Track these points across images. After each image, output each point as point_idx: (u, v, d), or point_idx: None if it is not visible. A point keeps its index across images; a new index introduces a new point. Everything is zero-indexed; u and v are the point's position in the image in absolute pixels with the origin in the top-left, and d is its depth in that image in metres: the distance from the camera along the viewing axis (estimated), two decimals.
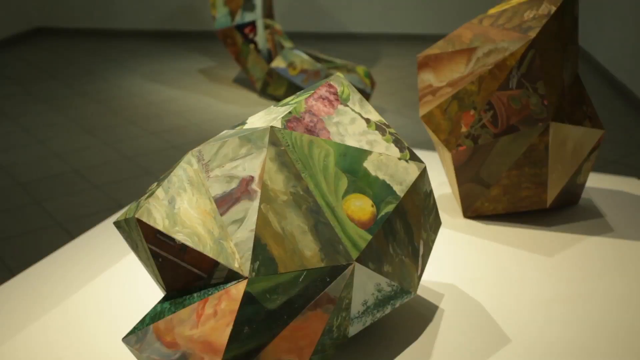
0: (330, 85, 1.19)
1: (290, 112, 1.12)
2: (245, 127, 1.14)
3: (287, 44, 4.47)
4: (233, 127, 1.18)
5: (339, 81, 1.21)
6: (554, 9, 1.43)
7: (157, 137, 3.92)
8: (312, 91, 1.17)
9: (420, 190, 1.16)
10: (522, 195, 1.54)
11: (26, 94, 4.70)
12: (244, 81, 4.92)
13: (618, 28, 4.79)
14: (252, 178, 1.03)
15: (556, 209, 1.63)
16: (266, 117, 1.15)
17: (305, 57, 4.33)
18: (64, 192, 3.22)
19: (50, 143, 3.82)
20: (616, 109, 4.35)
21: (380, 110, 4.36)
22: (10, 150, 3.74)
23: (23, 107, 4.43)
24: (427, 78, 1.58)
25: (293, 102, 1.16)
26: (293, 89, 4.32)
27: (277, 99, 4.51)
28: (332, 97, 1.18)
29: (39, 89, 4.79)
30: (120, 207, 2.99)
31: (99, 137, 3.91)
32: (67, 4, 6.44)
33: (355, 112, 1.18)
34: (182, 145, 3.79)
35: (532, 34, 1.41)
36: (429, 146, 3.22)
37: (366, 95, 4.17)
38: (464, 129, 1.50)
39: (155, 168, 3.48)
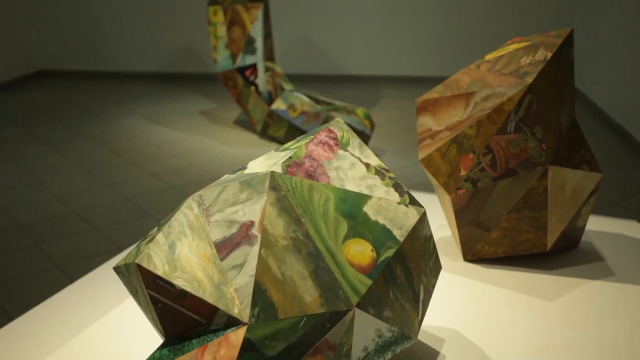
0: (330, 130, 1.20)
1: (290, 157, 1.13)
2: (246, 171, 1.15)
3: (288, 86, 4.52)
4: (234, 172, 1.18)
5: (339, 126, 1.22)
6: (550, 54, 1.45)
7: (157, 179, 3.93)
8: (312, 136, 1.19)
9: (420, 234, 1.16)
10: (522, 239, 1.54)
11: (27, 135, 4.73)
12: (244, 123, 4.96)
13: (614, 69, 4.85)
14: (252, 223, 1.03)
15: (557, 252, 1.63)
16: (267, 161, 1.16)
17: (306, 99, 4.37)
18: (63, 233, 3.21)
19: (50, 184, 3.83)
20: (614, 150, 4.38)
21: (380, 151, 4.39)
22: (10, 191, 3.74)
23: (24, 148, 4.46)
24: (426, 122, 1.59)
25: (293, 147, 1.17)
26: (293, 130, 4.36)
27: (277, 141, 4.54)
28: (332, 142, 1.19)
29: (40, 131, 4.82)
30: (120, 249, 2.98)
31: (99, 179, 3.92)
32: (70, 47, 6.54)
33: (355, 157, 1.19)
34: (182, 187, 3.80)
35: (529, 80, 1.43)
36: (429, 188, 3.23)
37: (366, 137, 4.20)
38: (463, 173, 1.51)
39: (154, 209, 3.48)
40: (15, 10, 6.18)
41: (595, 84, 5.26)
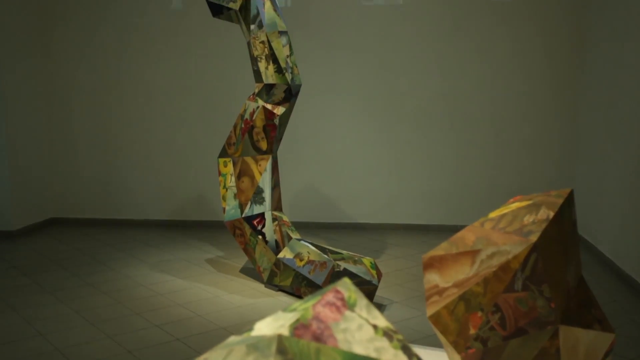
0: (337, 291, 1.21)
1: (297, 319, 1.12)
2: (253, 333, 1.14)
3: (294, 234, 4.56)
4: (240, 334, 1.17)
5: (346, 286, 1.22)
6: (552, 214, 1.48)
7: (161, 330, 3.86)
8: (320, 296, 1.19)
9: None
10: None
11: (33, 284, 4.72)
12: (250, 271, 4.96)
13: (619, 219, 4.90)
14: None
15: None
16: (274, 323, 1.15)
17: (312, 248, 4.40)
18: None
19: (51, 336, 3.76)
20: (627, 301, 4.31)
21: (387, 302, 4.33)
22: (9, 343, 3.66)
23: (28, 298, 4.43)
24: (433, 278, 1.60)
25: (301, 309, 1.16)
26: (300, 280, 4.34)
27: (283, 290, 4.50)
28: (339, 303, 1.18)
29: (47, 280, 4.82)
30: None
31: (102, 330, 3.85)
32: (82, 196, 6.71)
33: (363, 318, 1.18)
34: (186, 339, 3.72)
35: (533, 238, 1.45)
36: (438, 342, 3.15)
37: (373, 287, 4.16)
38: (472, 331, 1.48)
39: None
40: (30, 162, 6.42)
41: (601, 234, 5.29)
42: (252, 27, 4.46)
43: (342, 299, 1.19)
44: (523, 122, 6.18)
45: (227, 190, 4.68)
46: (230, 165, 4.67)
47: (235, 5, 4.50)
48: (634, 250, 4.55)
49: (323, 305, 1.17)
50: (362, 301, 1.21)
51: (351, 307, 1.19)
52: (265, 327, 1.15)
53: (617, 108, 5.00)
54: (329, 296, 1.19)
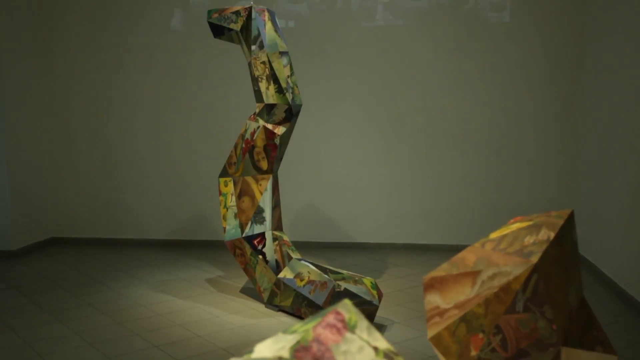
0: (338, 313, 1.20)
1: (298, 341, 1.12)
2: (253, 355, 1.13)
3: (295, 254, 4.55)
4: (240, 356, 1.17)
5: (347, 308, 1.22)
6: (552, 234, 1.48)
7: (161, 350, 3.83)
8: (320, 318, 1.18)
9: None
10: None
11: (32, 304, 4.70)
12: (250, 291, 4.94)
13: (619, 236, 4.89)
14: None
15: None
16: (274, 345, 1.15)
17: (313, 268, 4.38)
18: None
19: (50, 357, 3.74)
20: (628, 322, 4.29)
21: (388, 322, 4.31)
22: None
23: (27, 318, 4.41)
24: (434, 299, 1.59)
25: (301, 330, 1.16)
26: (300, 300, 4.32)
27: (283, 310, 4.48)
28: (339, 325, 1.18)
29: (46, 300, 4.80)
30: None
31: (102, 351, 3.83)
32: (82, 216, 6.70)
33: (363, 340, 1.18)
34: (185, 359, 3.70)
35: (534, 259, 1.45)
36: None
37: (374, 307, 4.14)
38: (473, 353, 1.48)
39: None
40: (31, 182, 6.42)
41: (602, 253, 5.28)
42: (253, 47, 4.49)
43: (343, 321, 1.19)
44: (524, 142, 6.19)
45: (227, 209, 4.68)
46: (231, 185, 4.68)
47: (237, 26, 4.54)
48: (636, 270, 4.54)
49: (324, 327, 1.16)
50: (362, 323, 1.21)
51: (352, 328, 1.19)
52: (265, 349, 1.15)
53: (616, 128, 5.02)
54: (330, 318, 1.19)
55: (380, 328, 4.22)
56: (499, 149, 6.21)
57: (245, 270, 4.66)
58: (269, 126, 4.53)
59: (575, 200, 5.97)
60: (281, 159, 4.70)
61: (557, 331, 1.41)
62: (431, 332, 1.55)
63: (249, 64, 4.56)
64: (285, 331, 1.20)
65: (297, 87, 4.58)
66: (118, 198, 6.68)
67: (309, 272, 4.35)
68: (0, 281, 5.30)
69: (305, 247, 6.02)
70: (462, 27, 6.15)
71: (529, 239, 1.51)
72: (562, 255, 1.48)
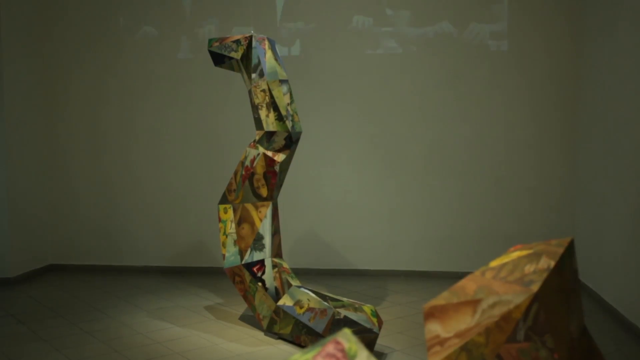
0: (338, 342, 1.19)
1: None
2: None
3: (295, 282, 4.53)
4: None
5: (346, 337, 1.21)
6: (553, 263, 1.48)
7: None
8: (320, 348, 1.17)
9: None
10: None
11: (29, 332, 4.66)
12: (249, 319, 4.90)
13: (620, 264, 4.87)
14: None
15: None
16: None
17: (313, 295, 4.36)
18: None
19: None
20: (630, 351, 4.25)
21: (389, 350, 4.27)
22: None
23: (22, 346, 4.37)
24: (434, 328, 1.58)
25: None
26: (300, 327, 4.29)
27: (283, 338, 4.44)
28: (339, 355, 1.17)
29: (43, 328, 4.76)
30: None
31: None
32: (81, 243, 6.69)
33: None
34: None
35: (535, 288, 1.44)
36: None
37: (374, 335, 4.11)
38: None
39: None
40: (30, 208, 6.42)
41: (603, 281, 5.25)
42: (254, 75, 4.53)
43: (343, 350, 1.18)
44: (523, 169, 6.20)
45: (227, 236, 4.67)
46: (231, 212, 4.67)
47: (237, 55, 4.58)
48: (638, 297, 4.51)
49: (323, 357, 1.15)
50: (362, 352, 1.20)
51: (352, 358, 1.18)
52: None
53: (616, 155, 5.03)
54: (329, 347, 1.18)
55: (381, 356, 4.18)
56: (498, 176, 6.22)
57: (245, 297, 4.63)
58: (269, 153, 4.55)
59: (575, 228, 5.96)
60: (281, 185, 4.71)
61: None
62: None
63: (249, 92, 4.60)
64: None
65: (297, 114, 4.61)
66: (117, 225, 6.67)
67: (308, 299, 4.33)
68: None
69: (305, 274, 5.99)
70: (461, 55, 6.21)
71: (529, 268, 1.50)
72: (563, 284, 1.47)
